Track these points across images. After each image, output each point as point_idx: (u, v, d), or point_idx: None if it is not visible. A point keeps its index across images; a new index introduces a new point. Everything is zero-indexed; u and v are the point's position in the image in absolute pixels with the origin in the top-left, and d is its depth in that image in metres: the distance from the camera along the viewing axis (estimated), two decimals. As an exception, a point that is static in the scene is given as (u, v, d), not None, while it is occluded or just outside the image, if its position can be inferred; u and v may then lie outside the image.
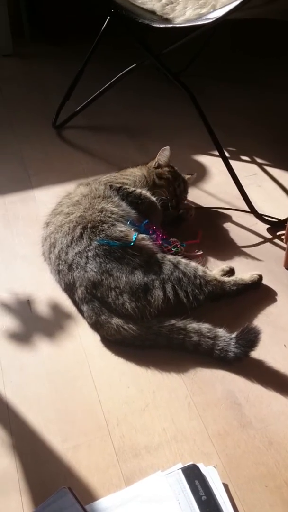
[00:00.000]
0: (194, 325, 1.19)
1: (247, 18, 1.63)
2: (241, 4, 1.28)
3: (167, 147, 1.55)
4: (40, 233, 1.43)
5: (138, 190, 1.45)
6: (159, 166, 1.57)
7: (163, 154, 1.56)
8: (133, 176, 1.54)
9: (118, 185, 1.45)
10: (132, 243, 1.26)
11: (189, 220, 1.58)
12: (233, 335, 1.17)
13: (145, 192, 1.46)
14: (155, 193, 1.50)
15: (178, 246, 1.40)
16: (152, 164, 1.58)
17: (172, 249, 1.38)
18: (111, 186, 1.44)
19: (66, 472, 0.99)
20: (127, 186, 1.46)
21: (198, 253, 1.45)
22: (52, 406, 1.11)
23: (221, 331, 1.18)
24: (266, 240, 1.54)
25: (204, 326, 1.18)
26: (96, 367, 1.18)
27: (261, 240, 1.54)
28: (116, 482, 0.97)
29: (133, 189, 1.46)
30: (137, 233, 1.29)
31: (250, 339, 1.15)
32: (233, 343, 1.15)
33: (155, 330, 1.19)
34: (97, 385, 1.14)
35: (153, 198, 1.47)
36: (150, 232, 1.38)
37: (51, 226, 1.37)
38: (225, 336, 1.17)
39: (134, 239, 1.27)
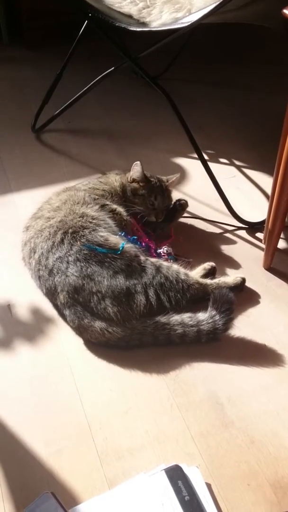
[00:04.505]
0: (176, 317, 1.20)
1: (222, 22, 1.64)
2: (216, 9, 1.30)
3: (138, 162, 1.49)
4: (20, 237, 1.42)
5: (114, 207, 1.43)
6: (133, 181, 1.52)
7: (135, 170, 1.50)
8: (111, 186, 1.51)
9: (96, 197, 1.44)
10: (119, 252, 1.25)
11: (184, 210, 1.59)
12: (213, 312, 1.20)
13: (120, 210, 1.44)
14: (135, 202, 1.48)
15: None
16: (128, 177, 1.53)
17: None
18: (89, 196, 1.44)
19: (49, 477, 0.99)
20: (104, 200, 1.45)
21: (189, 259, 1.41)
22: (33, 410, 1.10)
23: (201, 315, 1.20)
24: (245, 241, 1.55)
25: (186, 316, 1.20)
26: (78, 370, 1.18)
27: (240, 241, 1.56)
28: (99, 485, 0.97)
29: (109, 204, 1.43)
30: (124, 242, 1.29)
31: (226, 301, 1.20)
32: (218, 318, 1.18)
33: (140, 330, 1.19)
34: (79, 389, 1.14)
35: (126, 217, 1.44)
36: (143, 244, 1.38)
37: (31, 231, 1.36)
38: (207, 317, 1.19)
39: (121, 248, 1.26)
